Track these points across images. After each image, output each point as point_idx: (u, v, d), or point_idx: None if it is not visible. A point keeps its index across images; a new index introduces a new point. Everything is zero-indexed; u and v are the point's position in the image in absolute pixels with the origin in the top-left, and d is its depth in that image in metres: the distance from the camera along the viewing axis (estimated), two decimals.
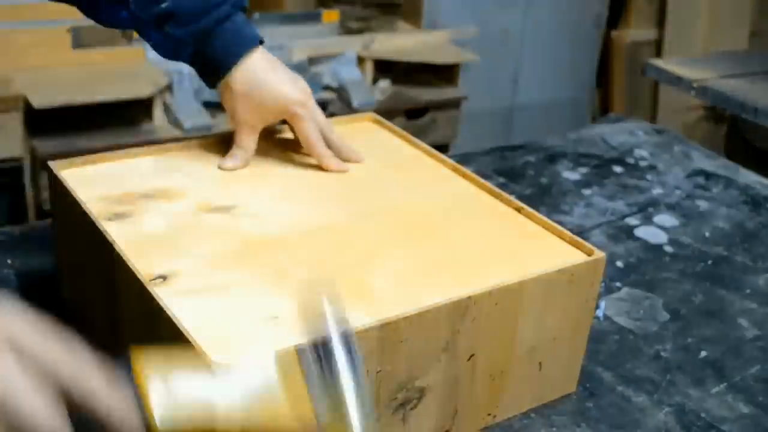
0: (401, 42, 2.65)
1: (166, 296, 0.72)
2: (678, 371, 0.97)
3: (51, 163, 0.91)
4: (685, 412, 0.91)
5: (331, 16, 2.65)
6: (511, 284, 0.79)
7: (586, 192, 1.38)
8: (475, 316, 0.77)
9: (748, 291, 1.14)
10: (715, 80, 2.16)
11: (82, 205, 0.85)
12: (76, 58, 2.27)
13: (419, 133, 2.49)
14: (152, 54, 2.37)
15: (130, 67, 2.32)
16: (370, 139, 1.09)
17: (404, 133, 1.09)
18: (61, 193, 0.89)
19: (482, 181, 1.00)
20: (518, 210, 0.94)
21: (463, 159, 1.43)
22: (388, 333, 0.72)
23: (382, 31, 2.69)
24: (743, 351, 1.02)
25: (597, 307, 1.07)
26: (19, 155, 2.17)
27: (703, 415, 0.91)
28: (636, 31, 3.30)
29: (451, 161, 1.04)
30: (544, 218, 0.92)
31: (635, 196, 1.38)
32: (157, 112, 2.31)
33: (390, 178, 1.00)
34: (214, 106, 2.43)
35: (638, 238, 1.25)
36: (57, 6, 1.01)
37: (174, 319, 0.69)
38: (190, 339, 0.67)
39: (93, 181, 0.91)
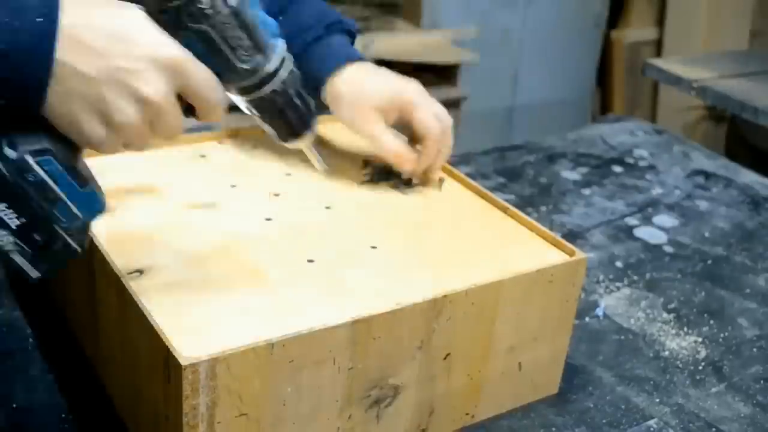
0: (401, 42, 2.65)
1: (141, 290, 0.73)
2: (677, 371, 0.97)
3: None
4: (684, 412, 0.91)
5: None
6: (487, 284, 0.79)
7: (586, 192, 1.38)
8: (450, 315, 0.77)
9: (747, 291, 1.14)
10: (715, 80, 2.16)
11: None
12: None
13: None
14: None
15: None
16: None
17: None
18: None
19: (471, 181, 1.00)
20: (504, 210, 0.95)
21: (463, 159, 1.43)
22: (360, 330, 0.72)
23: (382, 31, 2.69)
24: (743, 351, 1.02)
25: (597, 306, 1.07)
26: None
27: (702, 415, 0.91)
28: (636, 31, 3.30)
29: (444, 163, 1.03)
30: (529, 219, 0.92)
31: (635, 196, 1.38)
32: None
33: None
34: None
35: (638, 238, 1.25)
36: None
37: (146, 313, 0.70)
38: (160, 333, 0.68)
39: None
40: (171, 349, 0.66)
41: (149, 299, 0.72)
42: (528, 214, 0.95)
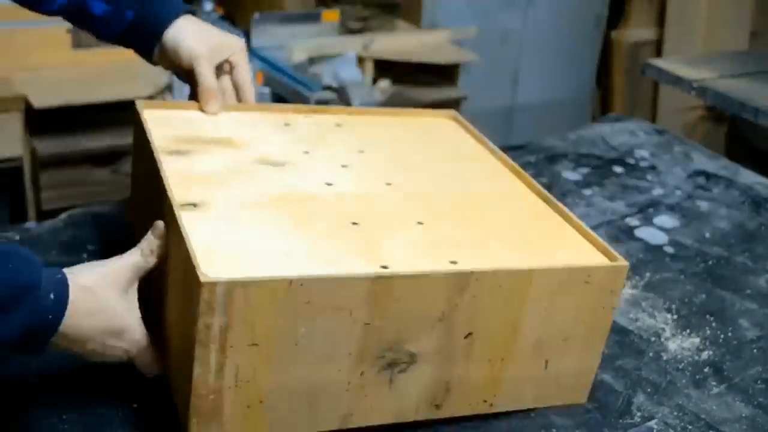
0: (401, 42, 2.65)
1: (189, 219, 0.77)
2: (678, 372, 0.97)
3: (138, 102, 1.00)
4: (685, 412, 0.91)
5: (331, 16, 2.65)
6: (517, 269, 0.80)
7: (587, 192, 1.38)
8: (475, 293, 0.78)
9: (748, 291, 1.14)
10: (715, 80, 2.16)
11: (150, 139, 0.91)
12: (76, 58, 2.27)
13: None
14: None
15: (130, 67, 2.32)
16: (442, 134, 1.11)
17: (477, 132, 1.10)
18: (138, 128, 0.96)
19: (537, 184, 0.99)
20: (561, 214, 0.94)
21: None
22: (381, 287, 0.73)
23: (382, 31, 2.68)
24: (743, 352, 1.02)
25: None
26: (19, 155, 2.17)
27: (703, 416, 0.90)
28: (636, 31, 3.30)
29: (513, 163, 1.03)
30: (582, 223, 0.92)
31: (635, 196, 1.38)
32: None
33: (443, 167, 1.02)
34: None
35: (639, 239, 1.25)
36: None
37: (184, 233, 0.73)
38: (190, 252, 0.71)
39: (169, 122, 0.98)
40: (196, 267, 0.69)
41: (193, 227, 0.75)
42: None
